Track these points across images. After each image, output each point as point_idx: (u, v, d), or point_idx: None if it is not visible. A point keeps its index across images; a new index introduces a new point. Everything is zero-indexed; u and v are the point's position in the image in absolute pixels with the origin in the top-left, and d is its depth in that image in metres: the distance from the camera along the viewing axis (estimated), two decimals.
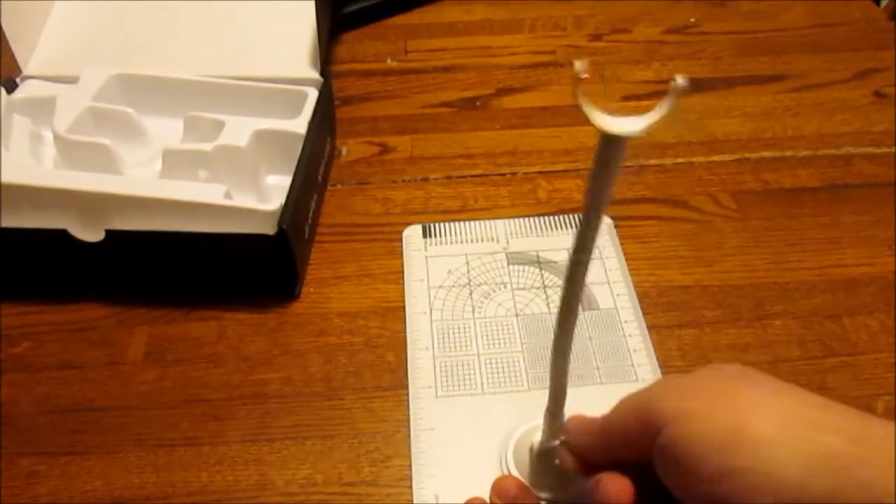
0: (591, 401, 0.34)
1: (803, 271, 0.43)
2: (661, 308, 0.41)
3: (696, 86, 0.57)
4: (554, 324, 0.27)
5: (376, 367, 0.39)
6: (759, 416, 0.23)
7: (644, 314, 0.41)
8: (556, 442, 0.31)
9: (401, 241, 0.45)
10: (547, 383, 0.38)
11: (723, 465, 0.22)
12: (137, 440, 0.36)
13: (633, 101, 0.55)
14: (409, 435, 0.36)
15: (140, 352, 0.40)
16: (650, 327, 0.40)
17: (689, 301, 0.41)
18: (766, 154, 0.51)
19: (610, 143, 0.20)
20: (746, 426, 0.22)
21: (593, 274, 0.42)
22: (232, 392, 0.38)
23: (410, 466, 0.34)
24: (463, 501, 0.32)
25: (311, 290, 0.43)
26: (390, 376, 0.38)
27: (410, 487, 0.34)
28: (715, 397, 0.24)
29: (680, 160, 0.51)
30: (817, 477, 0.21)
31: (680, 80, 0.18)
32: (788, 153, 0.51)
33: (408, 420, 0.36)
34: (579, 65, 0.19)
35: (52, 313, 0.41)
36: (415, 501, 0.33)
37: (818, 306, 0.41)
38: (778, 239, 0.45)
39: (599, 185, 0.21)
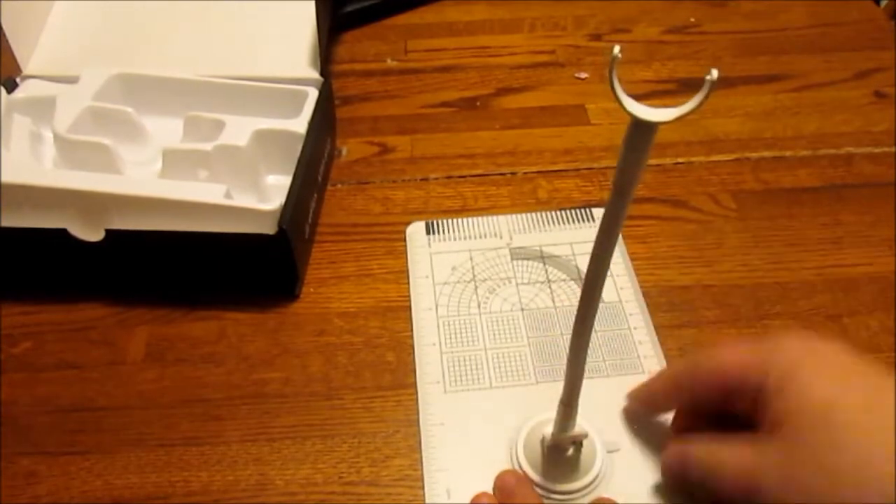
0: (599, 393, 0.35)
1: (803, 271, 0.43)
2: (661, 308, 0.41)
3: (697, 86, 0.57)
4: (575, 315, 0.27)
5: (376, 367, 0.39)
6: None
7: None
8: (569, 436, 0.31)
9: (403, 239, 0.45)
10: (555, 377, 0.38)
11: None
12: (137, 440, 0.36)
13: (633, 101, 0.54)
14: (419, 431, 0.36)
15: (140, 352, 0.40)
16: None
17: (689, 301, 0.41)
18: (766, 154, 0.51)
19: (640, 130, 0.20)
20: None
21: None
22: (232, 392, 0.38)
23: (421, 462, 0.35)
24: (475, 494, 0.32)
25: (311, 290, 0.43)
26: (390, 376, 0.38)
27: (411, 487, 0.34)
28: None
29: (680, 160, 0.51)
30: None
31: (715, 73, 0.18)
32: (788, 153, 0.51)
33: (416, 417, 0.36)
34: (616, 49, 0.19)
35: (52, 313, 0.42)
36: (426, 496, 0.33)
37: (818, 306, 0.41)
38: (778, 239, 0.45)
39: (628, 171, 0.21)
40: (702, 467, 0.30)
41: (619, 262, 0.43)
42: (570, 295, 0.41)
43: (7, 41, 0.47)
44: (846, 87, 0.57)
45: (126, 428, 0.36)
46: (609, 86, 0.19)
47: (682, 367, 0.32)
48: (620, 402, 0.36)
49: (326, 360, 0.39)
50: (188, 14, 0.53)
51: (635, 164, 0.21)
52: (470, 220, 0.46)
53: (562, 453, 0.32)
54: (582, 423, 0.32)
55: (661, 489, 0.33)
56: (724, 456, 0.29)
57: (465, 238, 0.45)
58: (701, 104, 0.19)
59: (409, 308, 0.41)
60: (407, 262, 0.44)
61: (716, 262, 0.44)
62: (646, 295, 0.41)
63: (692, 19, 0.64)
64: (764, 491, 0.26)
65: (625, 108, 0.19)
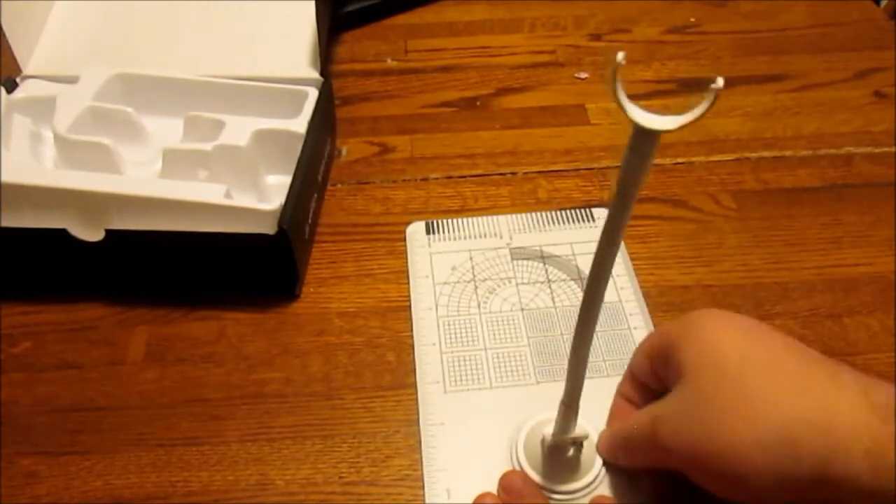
0: (599, 393, 0.35)
1: (803, 271, 0.43)
2: (661, 308, 0.41)
3: (697, 86, 0.57)
4: (576, 318, 0.27)
5: (376, 367, 0.39)
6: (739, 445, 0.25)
7: None
8: (570, 436, 0.31)
9: (403, 239, 0.45)
10: (555, 377, 0.38)
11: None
12: (137, 440, 0.36)
13: (633, 101, 0.54)
14: (419, 431, 0.36)
15: (140, 352, 0.40)
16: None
17: (689, 301, 0.41)
18: (766, 154, 0.51)
19: (643, 138, 0.20)
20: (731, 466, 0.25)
21: None
22: (232, 392, 0.38)
23: (421, 462, 0.35)
24: (475, 494, 0.32)
25: (311, 290, 0.43)
26: (390, 376, 0.38)
27: (411, 487, 0.34)
28: (706, 437, 0.26)
29: (680, 160, 0.51)
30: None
31: (720, 81, 0.18)
32: (788, 153, 0.51)
33: (416, 417, 0.36)
34: (620, 55, 0.19)
35: (52, 313, 0.42)
36: (426, 496, 0.33)
37: (818, 306, 0.41)
38: (778, 239, 0.45)
39: (631, 178, 0.21)
40: (617, 440, 0.31)
41: (619, 262, 0.43)
42: (570, 295, 0.41)
43: (7, 41, 0.47)
44: (846, 87, 0.57)
45: (126, 428, 0.36)
46: (611, 92, 0.19)
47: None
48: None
49: (326, 360, 0.39)
50: (188, 14, 0.53)
51: (639, 170, 0.21)
52: (470, 220, 0.46)
53: (562, 453, 0.32)
54: (582, 423, 0.32)
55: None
56: (631, 422, 0.30)
57: (465, 238, 0.45)
58: (706, 112, 0.19)
59: (409, 308, 0.41)
60: (407, 262, 0.44)
61: (716, 262, 0.44)
62: (646, 295, 0.41)
63: (692, 19, 0.64)
64: (661, 440, 0.27)
65: (629, 116, 0.19)
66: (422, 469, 0.34)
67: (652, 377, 0.31)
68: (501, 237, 0.45)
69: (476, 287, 0.42)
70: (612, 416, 0.34)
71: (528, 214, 0.46)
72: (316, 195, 0.46)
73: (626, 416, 0.32)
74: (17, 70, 0.49)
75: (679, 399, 0.28)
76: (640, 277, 0.42)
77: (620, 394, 0.34)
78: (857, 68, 0.58)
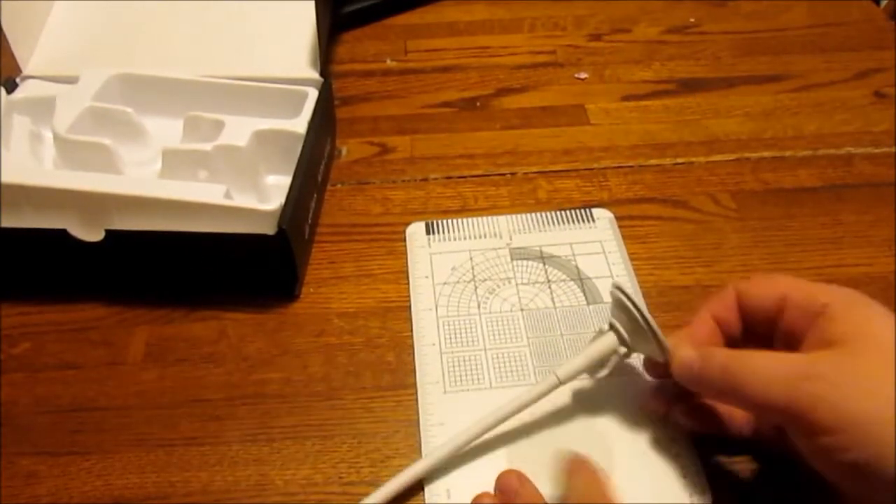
0: (599, 394, 0.34)
1: (803, 271, 0.43)
2: (661, 307, 0.41)
3: (697, 86, 0.57)
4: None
5: (376, 367, 0.39)
6: None
7: None
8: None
9: (402, 240, 0.45)
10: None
11: None
12: (137, 440, 0.36)
13: (633, 101, 0.55)
14: (419, 431, 0.36)
15: (140, 352, 0.40)
16: None
17: (689, 301, 0.41)
18: (766, 154, 0.51)
19: None
20: None
21: (597, 268, 0.42)
22: (232, 392, 0.38)
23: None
24: (475, 494, 0.32)
25: (311, 290, 0.43)
26: (390, 376, 0.38)
27: (411, 487, 0.34)
28: (873, 409, 0.26)
29: (680, 160, 0.51)
30: None
31: None
32: (788, 153, 0.51)
33: (416, 417, 0.36)
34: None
35: (52, 313, 0.42)
36: (426, 496, 0.33)
37: None
38: (778, 239, 0.45)
39: None
40: (726, 370, 0.29)
41: (619, 263, 0.43)
42: (570, 295, 0.41)
43: (7, 41, 0.47)
44: (846, 87, 0.57)
45: (126, 428, 0.36)
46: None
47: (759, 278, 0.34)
48: (617, 401, 0.36)
49: (326, 361, 0.39)
50: (188, 14, 0.53)
51: None
52: (470, 220, 0.46)
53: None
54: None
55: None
56: (758, 363, 0.29)
57: (465, 238, 0.45)
58: None
59: (409, 308, 0.41)
60: (407, 263, 0.44)
61: (716, 262, 0.44)
62: (646, 295, 0.41)
63: (692, 19, 0.64)
64: (808, 404, 0.27)
65: None
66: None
67: (764, 316, 0.31)
68: (501, 237, 0.45)
69: (476, 287, 0.42)
70: (696, 335, 0.32)
71: (528, 215, 0.46)
72: (316, 195, 0.46)
73: (723, 350, 0.31)
74: (17, 70, 0.49)
75: (844, 363, 0.27)
76: (640, 277, 0.42)
77: (711, 313, 0.33)
78: (857, 68, 0.58)
